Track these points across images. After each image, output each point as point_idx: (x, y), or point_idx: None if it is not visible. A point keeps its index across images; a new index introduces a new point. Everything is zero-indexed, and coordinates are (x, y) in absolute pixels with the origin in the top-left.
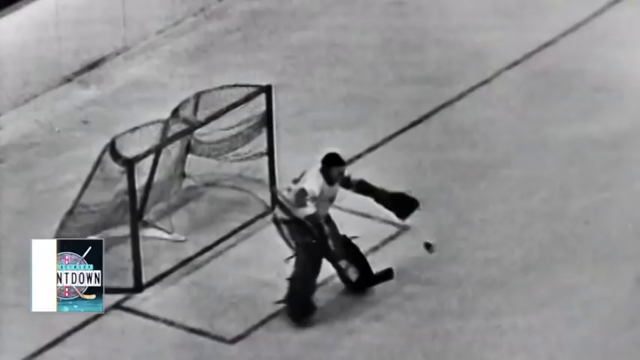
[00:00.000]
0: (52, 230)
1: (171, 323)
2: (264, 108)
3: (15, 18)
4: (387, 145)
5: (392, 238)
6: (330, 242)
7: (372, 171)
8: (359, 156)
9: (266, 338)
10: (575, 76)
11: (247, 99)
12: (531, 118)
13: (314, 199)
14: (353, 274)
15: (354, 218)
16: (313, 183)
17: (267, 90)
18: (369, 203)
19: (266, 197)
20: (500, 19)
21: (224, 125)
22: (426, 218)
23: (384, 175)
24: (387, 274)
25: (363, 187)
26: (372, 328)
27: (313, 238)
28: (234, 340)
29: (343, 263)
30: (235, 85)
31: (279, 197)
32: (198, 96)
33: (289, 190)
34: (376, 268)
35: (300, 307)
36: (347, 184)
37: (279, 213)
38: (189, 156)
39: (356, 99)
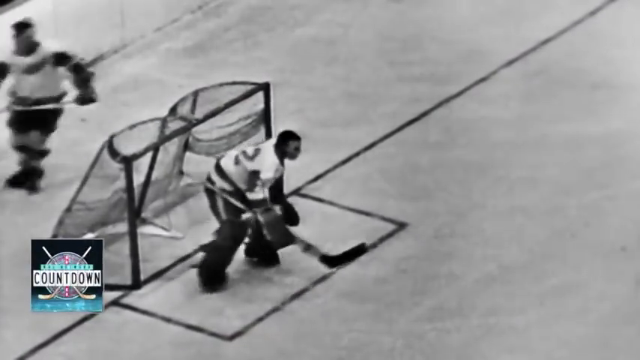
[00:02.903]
0: (51, 228)
1: (169, 320)
2: (262, 105)
3: (12, 15)
4: (385, 143)
5: (390, 235)
6: (265, 232)
7: (371, 169)
8: (357, 154)
9: (264, 335)
10: (574, 74)
11: (245, 96)
12: (529, 116)
13: (265, 184)
14: (314, 255)
15: (353, 215)
16: (271, 165)
17: (265, 87)
18: (368, 202)
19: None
20: (498, 17)
21: (222, 123)
22: (425, 216)
23: (382, 173)
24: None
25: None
26: (371, 326)
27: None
28: (232, 337)
29: (300, 245)
30: (233, 83)
31: (222, 165)
32: (196, 93)
33: (237, 162)
34: (374, 267)
35: (211, 276)
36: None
37: (218, 182)
38: (187, 153)
39: (354, 97)
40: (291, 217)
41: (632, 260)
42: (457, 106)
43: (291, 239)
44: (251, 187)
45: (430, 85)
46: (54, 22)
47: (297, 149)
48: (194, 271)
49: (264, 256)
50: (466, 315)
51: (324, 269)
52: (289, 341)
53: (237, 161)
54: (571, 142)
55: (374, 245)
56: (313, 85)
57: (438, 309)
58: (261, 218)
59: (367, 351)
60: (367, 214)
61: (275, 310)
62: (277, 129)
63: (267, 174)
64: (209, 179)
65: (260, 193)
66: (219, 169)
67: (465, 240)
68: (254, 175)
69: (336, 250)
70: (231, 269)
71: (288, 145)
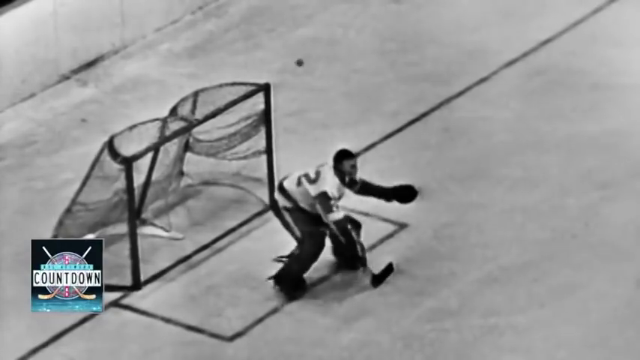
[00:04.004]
0: (51, 228)
1: (169, 321)
2: (262, 106)
3: (13, 16)
4: (385, 143)
5: (390, 236)
6: (358, 248)
7: (371, 170)
8: (357, 154)
9: (264, 335)
10: (573, 75)
11: (246, 97)
12: (529, 116)
13: (337, 200)
14: (367, 275)
15: (354, 216)
16: (333, 185)
17: (265, 88)
18: (368, 202)
19: (264, 195)
20: (498, 18)
21: (222, 123)
22: (425, 216)
23: (382, 173)
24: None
25: (366, 187)
26: (371, 326)
27: (320, 226)
28: (232, 338)
29: (363, 269)
30: (234, 84)
31: (285, 186)
32: (196, 94)
33: (299, 184)
34: (375, 268)
35: (294, 285)
36: (352, 182)
37: (281, 201)
38: (188, 154)
39: (354, 97)
40: (408, 191)
41: (632, 261)
42: (457, 106)
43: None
44: (327, 209)
45: (430, 85)
46: (55, 21)
47: (354, 167)
48: (193, 271)
49: (347, 259)
50: (466, 315)
51: (322, 270)
52: (289, 342)
53: (299, 183)
54: (571, 142)
55: (374, 246)
56: (313, 86)
57: (438, 309)
58: (341, 238)
59: (367, 351)
60: (367, 214)
61: (275, 310)
62: (278, 129)
63: (332, 190)
64: (273, 201)
65: (340, 213)
66: (282, 190)
67: (465, 240)
68: (323, 195)
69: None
70: (229, 270)
71: (342, 164)
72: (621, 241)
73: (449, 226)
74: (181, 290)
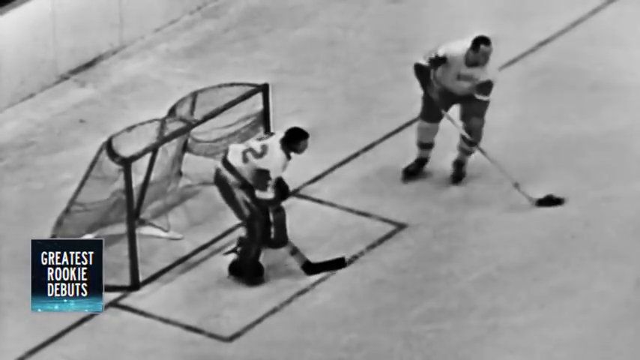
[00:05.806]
0: (50, 229)
1: (167, 321)
2: (261, 107)
3: (11, 16)
4: (384, 143)
5: (389, 236)
6: (273, 230)
7: (370, 170)
8: (356, 155)
9: (263, 336)
10: (573, 75)
11: (244, 97)
12: (529, 116)
13: (274, 183)
14: (298, 260)
15: (352, 216)
16: (279, 161)
17: (264, 88)
18: (367, 202)
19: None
20: (497, 18)
21: (221, 124)
22: (424, 216)
23: (381, 174)
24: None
25: None
26: (371, 327)
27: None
28: (231, 338)
29: (289, 247)
30: (232, 84)
31: (231, 161)
32: (195, 94)
33: (245, 160)
34: (374, 268)
35: (253, 270)
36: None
37: (231, 178)
38: (186, 155)
39: (353, 98)
40: (283, 190)
41: (632, 261)
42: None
43: (285, 240)
44: (262, 186)
45: None
46: (53, 22)
47: (306, 146)
48: (191, 272)
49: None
50: (465, 316)
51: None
52: (289, 342)
53: (245, 159)
54: (571, 142)
55: (372, 246)
56: (312, 86)
57: (438, 310)
58: (271, 217)
59: (367, 351)
60: (366, 215)
61: (274, 310)
62: (276, 130)
63: (277, 172)
64: (219, 174)
65: (271, 193)
66: (227, 164)
67: (465, 241)
68: (264, 173)
69: (331, 253)
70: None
71: (299, 144)
72: (621, 241)
73: (448, 226)
74: (180, 290)
